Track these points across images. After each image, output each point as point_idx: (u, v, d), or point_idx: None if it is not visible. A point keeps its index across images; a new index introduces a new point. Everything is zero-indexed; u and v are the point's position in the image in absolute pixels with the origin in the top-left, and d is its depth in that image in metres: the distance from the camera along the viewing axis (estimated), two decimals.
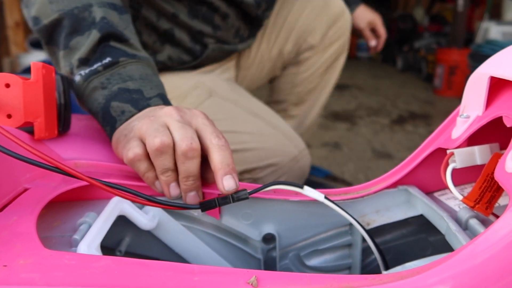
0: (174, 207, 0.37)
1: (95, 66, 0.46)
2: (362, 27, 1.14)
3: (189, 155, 0.37)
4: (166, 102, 0.46)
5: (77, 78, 0.46)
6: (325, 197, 0.38)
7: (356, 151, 1.73)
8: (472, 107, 0.37)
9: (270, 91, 1.05)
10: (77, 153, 0.43)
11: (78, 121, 0.50)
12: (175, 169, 0.39)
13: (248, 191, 0.37)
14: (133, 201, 0.35)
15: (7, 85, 0.36)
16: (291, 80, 1.00)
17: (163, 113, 0.40)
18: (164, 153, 0.38)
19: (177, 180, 0.39)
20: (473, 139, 0.38)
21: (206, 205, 0.37)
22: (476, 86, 0.37)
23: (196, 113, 0.41)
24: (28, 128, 0.39)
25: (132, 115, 0.43)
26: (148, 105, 0.44)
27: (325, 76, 1.03)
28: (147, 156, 0.39)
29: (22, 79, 0.36)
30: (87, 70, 0.46)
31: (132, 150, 0.39)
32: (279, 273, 0.28)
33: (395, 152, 1.72)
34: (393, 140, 1.90)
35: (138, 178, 0.41)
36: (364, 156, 1.66)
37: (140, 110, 0.43)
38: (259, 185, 0.39)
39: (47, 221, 0.37)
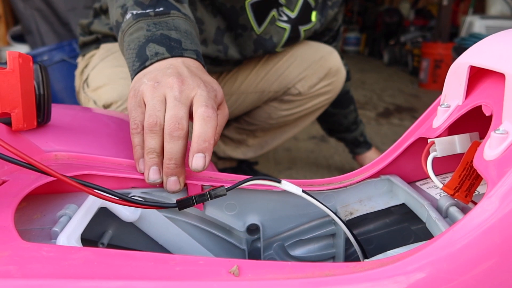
0: (149, 207, 0.36)
1: (148, 10, 0.48)
2: None
3: (174, 135, 0.37)
4: (199, 58, 0.47)
5: (128, 16, 0.49)
6: (303, 191, 0.38)
7: (343, 144, 1.73)
8: (452, 97, 0.38)
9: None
10: (58, 144, 0.42)
11: (59, 112, 0.49)
12: (161, 154, 0.38)
13: (226, 187, 0.37)
14: (106, 200, 0.34)
15: None
16: (269, 111, 1.03)
17: (166, 83, 0.40)
18: (153, 132, 0.38)
19: (160, 165, 0.39)
20: (454, 129, 0.38)
21: (182, 204, 0.37)
22: (456, 75, 0.37)
23: (199, 84, 0.41)
24: (5, 119, 0.38)
25: (164, 58, 0.44)
26: (182, 55, 0.45)
27: (302, 120, 1.07)
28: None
29: None
30: (139, 11, 0.48)
31: (133, 121, 0.41)
32: (260, 262, 0.28)
33: (381, 144, 1.73)
34: (379, 133, 1.92)
35: (119, 170, 0.40)
36: None
37: (172, 56, 0.44)
38: (239, 177, 0.39)
39: (27, 214, 0.36)
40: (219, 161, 1.15)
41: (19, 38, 2.08)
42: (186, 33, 0.48)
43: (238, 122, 1.07)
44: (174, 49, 0.45)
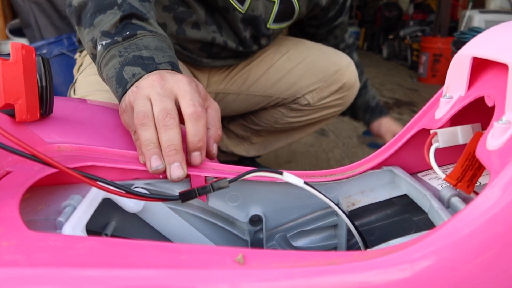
0: (152, 199, 0.36)
1: (116, 37, 0.50)
2: (386, 138, 1.02)
3: (168, 124, 0.38)
4: (175, 68, 0.48)
5: (99, 47, 0.51)
6: (305, 182, 0.39)
7: (342, 137, 1.74)
8: (455, 88, 0.38)
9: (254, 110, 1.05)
10: (61, 136, 0.42)
11: (61, 104, 0.49)
12: (159, 145, 0.39)
13: (228, 179, 0.37)
14: (109, 192, 0.34)
15: None
16: (276, 116, 1.00)
17: (146, 84, 0.42)
18: (145, 124, 0.39)
19: (160, 154, 0.39)
20: (456, 120, 0.38)
21: (185, 196, 0.37)
22: (459, 67, 0.37)
23: (180, 79, 0.42)
24: (9, 111, 0.38)
25: (141, 77, 0.45)
26: (157, 69, 0.46)
27: (308, 127, 1.04)
28: None
29: (0, 59, 0.35)
30: (107, 41, 0.50)
31: (129, 126, 0.43)
32: (265, 251, 0.28)
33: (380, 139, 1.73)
34: None
35: (122, 161, 0.41)
36: (350, 142, 1.68)
37: (148, 72, 0.45)
38: (242, 169, 0.39)
39: (31, 204, 0.36)
40: (222, 155, 1.15)
41: (17, 31, 2.07)
42: (157, 48, 0.49)
43: (245, 120, 1.06)
44: (149, 66, 0.46)
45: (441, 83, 0.40)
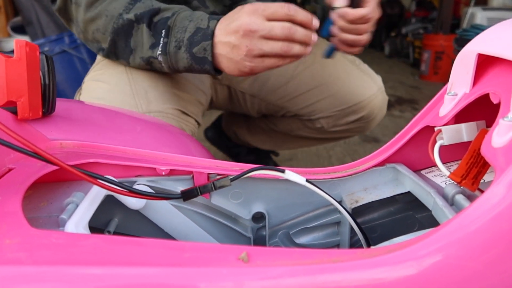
0: (154, 198, 0.36)
1: (160, 41, 0.58)
2: None
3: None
4: (216, 18, 0.57)
5: (160, 58, 0.60)
6: (307, 180, 0.38)
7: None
8: (459, 85, 0.38)
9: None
10: (63, 133, 0.42)
11: (63, 104, 0.49)
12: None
13: (230, 177, 0.37)
14: (111, 191, 0.34)
15: None
16: (292, 126, 0.97)
17: (222, 43, 0.56)
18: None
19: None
20: (460, 117, 0.38)
21: (187, 195, 0.37)
22: (464, 63, 0.37)
23: (234, 17, 0.56)
24: (11, 108, 0.38)
25: (212, 44, 0.56)
26: (212, 31, 0.56)
27: (323, 141, 1.01)
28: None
29: (4, 56, 0.35)
30: (160, 49, 0.59)
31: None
32: (269, 249, 0.28)
33: (382, 136, 1.73)
34: (380, 124, 1.91)
35: (125, 158, 0.40)
36: (351, 140, 1.68)
37: (212, 38, 0.56)
38: (244, 166, 0.39)
39: (34, 202, 0.36)
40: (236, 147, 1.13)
41: (19, 29, 2.07)
42: (191, 20, 0.58)
43: (267, 118, 1.02)
44: (205, 34, 0.56)
45: (443, 80, 0.40)
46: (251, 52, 0.54)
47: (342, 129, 0.91)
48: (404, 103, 2.35)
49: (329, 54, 0.71)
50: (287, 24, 0.53)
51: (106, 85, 0.65)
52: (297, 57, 0.57)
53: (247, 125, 1.08)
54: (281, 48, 0.54)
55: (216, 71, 0.59)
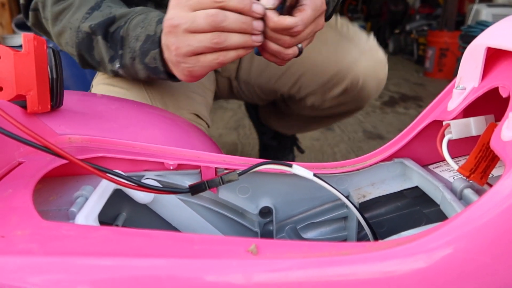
0: (162, 192, 0.36)
1: (118, 53, 0.54)
2: None
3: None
4: (161, 22, 0.50)
5: (121, 72, 0.55)
6: (314, 175, 0.38)
7: (348, 132, 1.73)
8: (468, 79, 0.37)
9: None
10: (71, 128, 0.42)
11: (71, 97, 0.49)
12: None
13: (238, 171, 0.37)
14: (120, 185, 0.34)
15: None
16: (293, 107, 0.92)
17: (166, 35, 0.48)
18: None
19: None
20: (469, 111, 0.38)
21: (195, 189, 0.37)
22: (472, 57, 0.37)
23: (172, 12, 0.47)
24: (20, 102, 0.38)
25: (160, 53, 0.50)
26: (159, 36, 0.50)
27: (331, 120, 0.93)
28: None
29: (13, 51, 0.35)
30: (118, 62, 0.54)
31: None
32: (278, 241, 0.28)
33: (386, 133, 1.73)
34: (384, 121, 1.91)
35: (133, 152, 0.41)
36: (356, 137, 1.67)
37: (159, 44, 0.50)
38: (252, 161, 0.39)
39: (43, 195, 0.36)
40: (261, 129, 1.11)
41: (23, 26, 2.07)
42: (141, 26, 0.52)
43: (284, 102, 0.98)
44: (153, 43, 0.50)
45: (448, 77, 0.40)
46: (180, 51, 0.46)
47: (334, 104, 0.84)
48: (408, 100, 2.35)
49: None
50: (212, 11, 0.44)
51: (120, 89, 0.63)
52: (243, 48, 0.47)
53: (273, 109, 1.06)
54: (211, 40, 0.45)
55: (174, 78, 0.53)
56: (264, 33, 0.48)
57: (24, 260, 0.25)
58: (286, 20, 0.47)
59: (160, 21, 0.49)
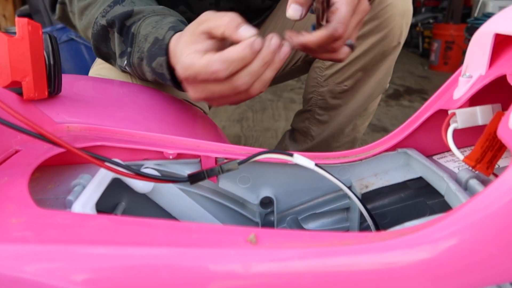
0: (161, 181, 0.35)
1: (127, 50, 0.51)
2: None
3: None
4: (177, 29, 0.47)
5: (128, 69, 0.52)
6: (316, 165, 0.38)
7: None
8: (475, 67, 0.36)
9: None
10: (70, 116, 0.42)
11: (70, 82, 0.48)
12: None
13: (238, 161, 0.36)
14: (118, 174, 0.34)
15: None
16: (315, 76, 0.84)
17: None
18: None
19: None
20: (475, 100, 0.37)
21: (194, 178, 0.36)
22: (479, 44, 0.36)
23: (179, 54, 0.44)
24: (16, 89, 0.37)
25: (167, 60, 0.47)
26: (167, 44, 0.47)
27: (361, 84, 0.83)
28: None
29: (6, 35, 0.35)
30: (125, 59, 0.52)
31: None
32: (278, 231, 0.28)
33: (390, 126, 1.72)
34: (389, 114, 1.89)
35: (132, 141, 0.40)
36: None
37: (167, 53, 0.46)
38: (252, 150, 0.38)
39: (41, 184, 0.36)
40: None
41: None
42: (153, 26, 0.49)
43: (307, 112, 0.92)
44: (161, 48, 0.47)
45: (453, 71, 0.38)
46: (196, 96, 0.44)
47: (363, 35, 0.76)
48: (413, 93, 2.33)
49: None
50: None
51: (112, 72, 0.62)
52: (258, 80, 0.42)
53: (292, 135, 1.00)
54: (222, 89, 0.41)
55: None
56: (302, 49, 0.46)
57: (19, 248, 0.24)
58: (320, 34, 0.43)
59: (173, 28, 0.47)
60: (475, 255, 0.25)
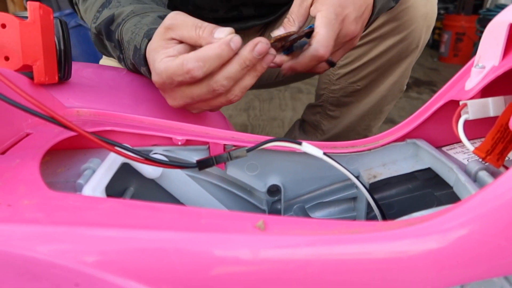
0: (169, 166, 0.35)
1: (120, 55, 0.50)
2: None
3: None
4: (151, 34, 0.44)
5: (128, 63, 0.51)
6: (324, 153, 0.38)
7: None
8: (488, 57, 0.36)
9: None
10: (80, 101, 0.42)
11: (79, 69, 0.48)
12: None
13: (246, 148, 0.36)
14: (128, 158, 0.34)
15: (3, 26, 0.34)
16: (328, 73, 0.82)
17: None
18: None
19: None
20: (487, 92, 0.36)
21: (203, 164, 0.36)
22: (493, 34, 0.35)
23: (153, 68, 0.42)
24: (27, 73, 0.38)
25: (149, 70, 0.44)
26: (143, 55, 0.44)
27: (375, 84, 0.81)
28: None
29: (18, 19, 0.35)
30: (124, 64, 0.50)
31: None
32: (286, 218, 0.28)
33: (398, 118, 1.71)
34: (397, 106, 1.88)
35: (141, 127, 0.40)
36: None
37: (146, 63, 0.44)
38: (261, 138, 0.38)
39: (51, 167, 0.36)
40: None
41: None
42: (132, 35, 0.47)
43: (319, 106, 0.92)
44: (140, 60, 0.45)
45: (463, 63, 0.38)
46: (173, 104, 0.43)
47: (375, 29, 0.73)
48: (422, 85, 2.30)
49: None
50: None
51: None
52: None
53: (302, 127, 0.99)
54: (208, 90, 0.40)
55: None
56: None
57: (31, 229, 0.25)
58: (302, 59, 0.44)
59: (147, 34, 0.44)
60: (483, 246, 0.25)
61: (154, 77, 0.41)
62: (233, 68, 0.38)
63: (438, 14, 3.55)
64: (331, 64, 0.50)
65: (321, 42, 0.44)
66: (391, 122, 1.65)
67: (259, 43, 0.38)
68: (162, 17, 0.47)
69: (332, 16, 0.44)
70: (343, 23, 0.46)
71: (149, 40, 0.43)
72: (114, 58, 0.55)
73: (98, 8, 0.51)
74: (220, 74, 0.38)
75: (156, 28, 0.44)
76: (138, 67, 0.47)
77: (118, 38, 0.48)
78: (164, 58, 0.39)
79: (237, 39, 0.37)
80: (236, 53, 0.38)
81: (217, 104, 0.42)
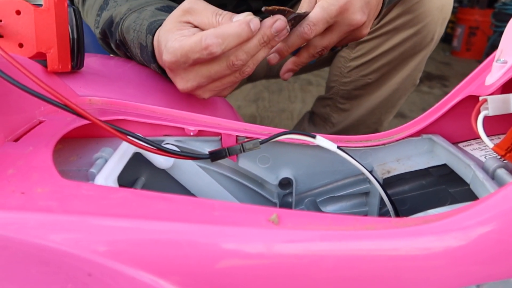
0: (182, 157, 0.35)
1: (128, 55, 0.50)
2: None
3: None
4: (153, 28, 0.44)
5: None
6: (338, 147, 0.37)
7: None
8: (510, 52, 0.35)
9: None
10: (92, 90, 0.42)
11: (91, 60, 0.48)
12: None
13: (260, 140, 0.36)
14: (140, 148, 0.34)
15: (18, 12, 0.34)
16: (339, 65, 0.81)
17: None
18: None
19: None
20: (508, 87, 0.36)
21: (215, 155, 0.36)
22: None
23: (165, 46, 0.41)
24: (41, 61, 0.37)
25: (159, 66, 0.45)
26: (152, 51, 0.44)
27: (387, 77, 0.79)
28: None
29: (33, 6, 0.34)
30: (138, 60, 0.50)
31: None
32: (300, 212, 0.27)
33: (409, 112, 1.69)
34: (407, 100, 1.86)
35: (153, 116, 0.40)
36: None
37: (155, 60, 0.45)
38: (273, 130, 0.37)
39: (63, 156, 0.36)
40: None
41: None
42: (135, 30, 0.46)
43: (329, 99, 0.91)
44: (148, 56, 0.45)
45: (476, 57, 0.37)
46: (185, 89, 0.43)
47: (391, 21, 0.72)
48: (433, 79, 2.27)
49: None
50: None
51: None
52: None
53: (313, 120, 0.98)
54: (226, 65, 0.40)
55: None
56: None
57: (44, 217, 0.25)
58: (286, 43, 0.44)
59: (149, 30, 0.44)
60: (503, 245, 0.24)
61: (167, 56, 0.39)
62: (252, 43, 0.39)
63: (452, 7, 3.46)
64: (332, 49, 0.50)
65: (308, 20, 0.43)
66: (401, 116, 1.64)
67: (278, 20, 0.39)
68: (159, 9, 0.47)
69: (332, 2, 0.44)
70: (347, 12, 0.44)
71: (153, 36, 0.43)
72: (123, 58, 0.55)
73: (97, 11, 0.51)
74: (239, 50, 0.39)
75: (156, 21, 0.44)
76: (148, 64, 0.47)
77: (120, 38, 0.48)
78: (178, 37, 0.39)
79: (256, 21, 0.38)
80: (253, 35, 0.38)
81: (233, 80, 0.41)
